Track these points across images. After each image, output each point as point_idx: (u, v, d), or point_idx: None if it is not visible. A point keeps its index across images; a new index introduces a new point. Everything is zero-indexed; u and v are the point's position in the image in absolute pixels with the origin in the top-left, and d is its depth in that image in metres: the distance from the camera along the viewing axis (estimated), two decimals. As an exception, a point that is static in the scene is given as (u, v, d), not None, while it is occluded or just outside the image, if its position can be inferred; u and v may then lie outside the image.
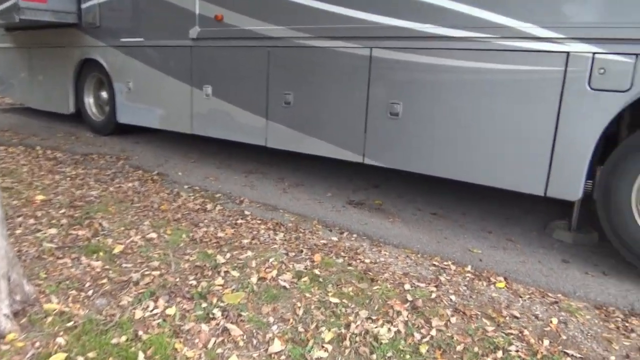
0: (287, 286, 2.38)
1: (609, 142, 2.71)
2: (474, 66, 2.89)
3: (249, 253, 2.73)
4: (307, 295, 2.31)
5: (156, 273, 2.44)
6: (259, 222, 3.29)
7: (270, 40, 3.93)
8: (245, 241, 2.91)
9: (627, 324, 2.21)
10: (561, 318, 2.22)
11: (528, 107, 2.72)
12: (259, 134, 4.15)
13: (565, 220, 3.33)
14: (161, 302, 2.17)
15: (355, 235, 3.16)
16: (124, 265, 2.53)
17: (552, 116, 2.62)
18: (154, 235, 2.92)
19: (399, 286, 2.44)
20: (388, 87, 3.31)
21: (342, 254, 2.81)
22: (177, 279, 2.39)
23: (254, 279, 2.42)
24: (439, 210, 3.71)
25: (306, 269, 2.58)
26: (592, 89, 2.49)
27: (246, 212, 3.47)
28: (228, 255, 2.70)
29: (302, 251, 2.81)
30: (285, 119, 3.96)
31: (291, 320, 2.10)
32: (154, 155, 5.25)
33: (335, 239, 3.07)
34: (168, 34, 4.83)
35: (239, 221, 3.27)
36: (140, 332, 1.95)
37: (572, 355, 1.93)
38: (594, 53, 2.46)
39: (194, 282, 2.37)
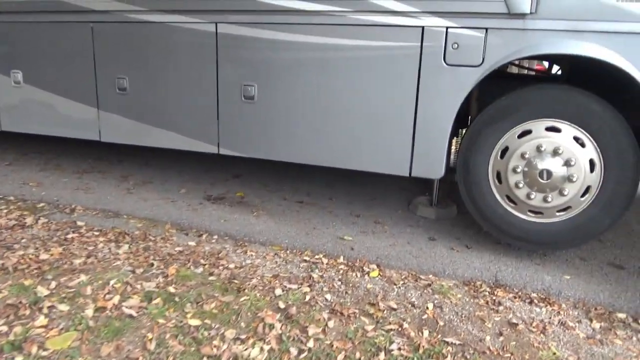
0: (134, 314, 1.94)
1: (458, 116, 2.74)
2: (330, 42, 2.68)
3: (83, 277, 2.20)
4: (160, 321, 1.90)
5: (-57, 325, 1.81)
6: (96, 233, 2.73)
7: (93, 14, 3.26)
8: (77, 261, 2.36)
9: (494, 297, 2.24)
10: (436, 302, 2.16)
11: (388, 85, 2.60)
12: (90, 126, 3.47)
13: (426, 196, 3.38)
14: (-50, 367, 1.59)
15: (216, 237, 2.79)
16: None
17: (411, 94, 2.54)
18: (-58, 270, 2.21)
19: (269, 292, 2.16)
20: (239, 67, 2.95)
21: (202, 261, 2.44)
22: (-23, 329, 1.80)
23: (89, 312, 1.93)
24: (306, 198, 3.52)
25: (158, 287, 2.15)
26: (447, 64, 2.45)
27: (79, 223, 2.86)
28: (53, 284, 2.13)
29: (152, 265, 2.37)
30: (121, 108, 3.36)
31: (140, 358, 1.69)
32: (-48, 160, 4.18)
33: (192, 243, 2.67)
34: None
35: (70, 235, 2.67)
36: None
37: (452, 343, 1.86)
38: (447, 27, 2.41)
39: (4, 329, 1.80)
